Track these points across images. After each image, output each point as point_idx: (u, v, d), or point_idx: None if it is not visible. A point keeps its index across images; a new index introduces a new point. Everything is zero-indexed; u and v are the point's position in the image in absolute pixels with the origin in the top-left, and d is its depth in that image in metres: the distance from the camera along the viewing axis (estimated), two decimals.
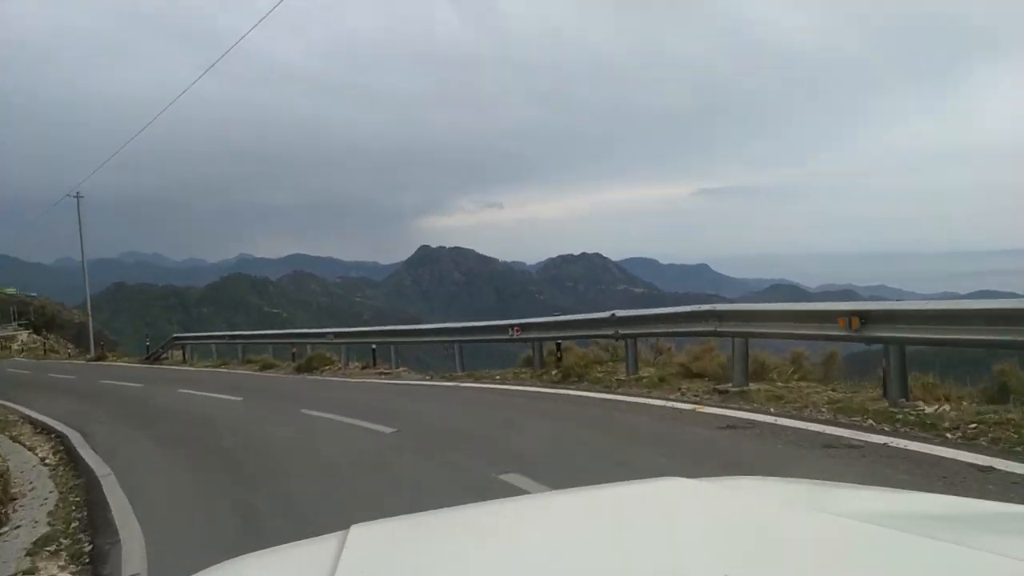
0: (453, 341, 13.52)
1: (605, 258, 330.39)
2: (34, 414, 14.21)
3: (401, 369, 15.10)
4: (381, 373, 15.21)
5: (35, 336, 65.18)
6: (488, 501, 1.69)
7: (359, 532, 1.35)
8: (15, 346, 53.56)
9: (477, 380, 12.40)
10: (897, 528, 1.11)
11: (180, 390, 15.84)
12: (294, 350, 19.37)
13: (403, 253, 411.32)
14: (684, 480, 1.59)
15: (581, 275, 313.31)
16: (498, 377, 12.29)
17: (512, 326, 11.87)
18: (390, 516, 1.52)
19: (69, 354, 40.58)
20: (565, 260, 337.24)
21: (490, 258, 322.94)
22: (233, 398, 13.72)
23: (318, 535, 1.41)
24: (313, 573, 1.15)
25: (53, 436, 11.86)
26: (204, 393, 14.80)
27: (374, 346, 16.01)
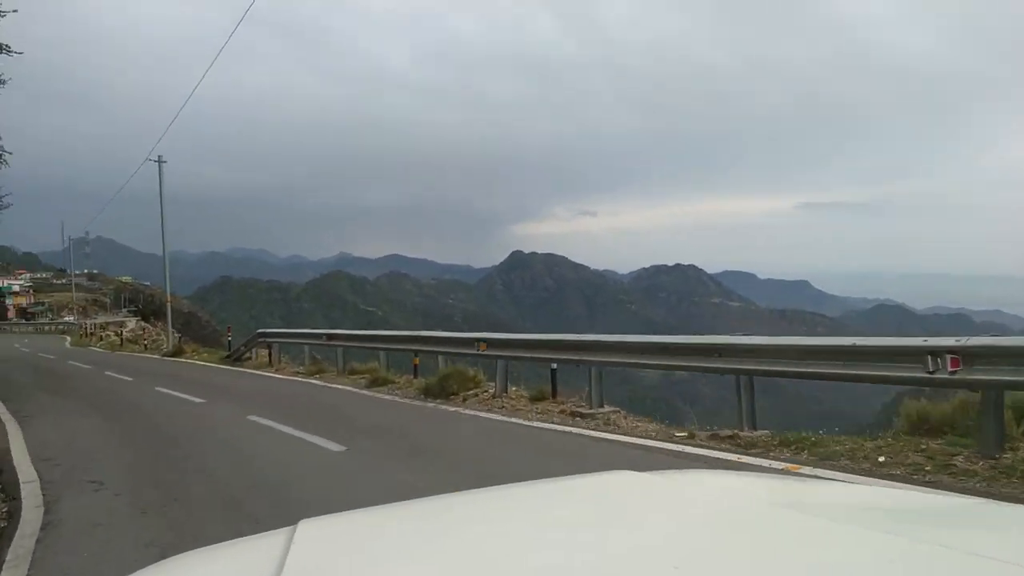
0: (754, 372, 6.94)
1: (700, 270, 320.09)
2: (22, 449, 8.84)
3: (611, 409, 8.75)
4: (573, 414, 8.97)
5: (143, 323, 64.40)
6: (439, 495, 1.66)
7: (307, 527, 1.32)
8: (125, 332, 51.55)
9: (797, 453, 5.92)
10: (843, 521, 1.13)
11: (251, 417, 10.18)
12: (416, 360, 13.51)
13: (496, 257, 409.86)
14: (633, 473, 1.59)
15: (674, 287, 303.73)
16: (881, 462, 5.70)
17: (936, 351, 5.24)
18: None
19: (146, 346, 36.20)
20: (658, 271, 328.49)
21: (582, 266, 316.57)
22: (330, 446, 7.84)
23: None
24: (260, 569, 1.12)
25: (3, 509, 6.36)
26: (286, 429, 9.03)
27: (554, 366, 9.78)
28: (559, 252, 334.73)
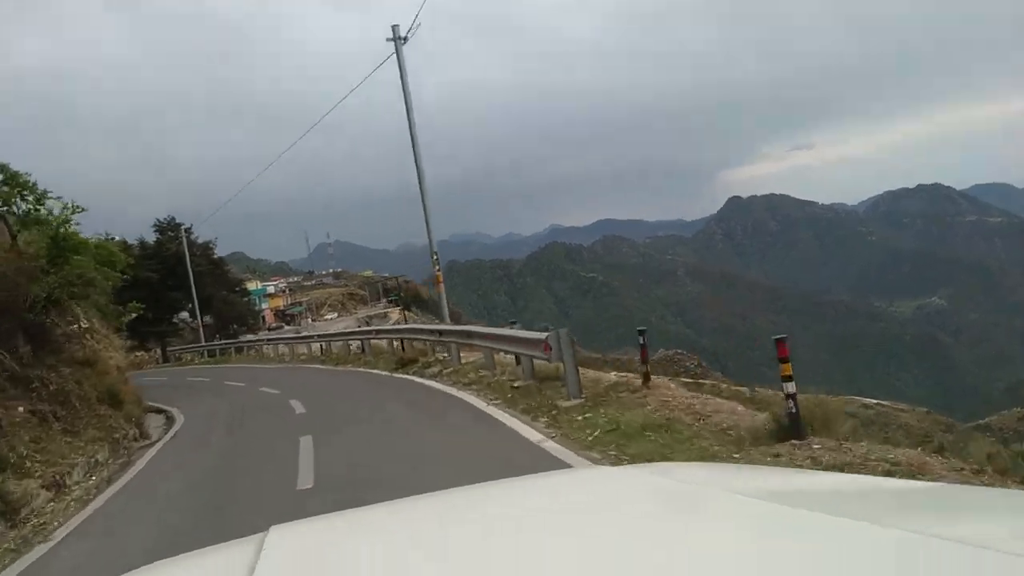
0: None
1: (948, 188, 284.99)
2: None
3: None
4: None
5: (406, 313, 63.42)
6: (408, 497, 1.69)
7: (278, 534, 1.35)
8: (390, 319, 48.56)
9: None
10: (824, 511, 1.15)
11: None
12: None
13: (709, 208, 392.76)
14: (601, 469, 1.99)
15: (919, 210, 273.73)
16: None
17: None
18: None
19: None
20: (896, 196, 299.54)
21: (808, 202, 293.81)
22: None
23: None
24: None
25: None
26: None
27: None
28: (780, 191, 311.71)
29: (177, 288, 43.08)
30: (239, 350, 36.26)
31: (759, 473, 1.92)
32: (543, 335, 9.79)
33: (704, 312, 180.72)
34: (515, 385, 11.30)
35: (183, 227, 45.62)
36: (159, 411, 17.35)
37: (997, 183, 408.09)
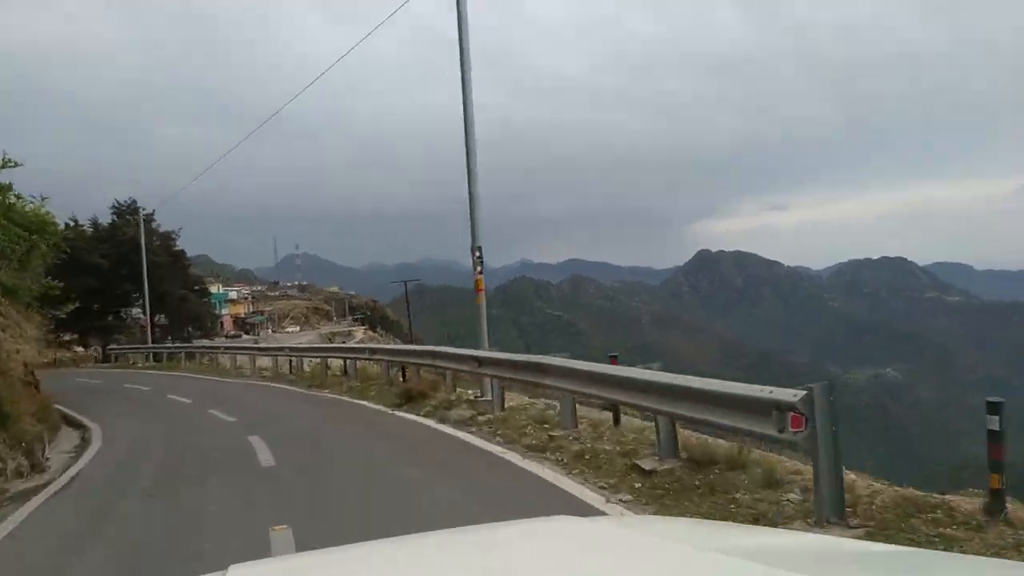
0: None
1: (910, 263, 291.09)
2: None
3: None
4: None
5: (371, 332, 63.09)
6: (373, 541, 1.65)
7: (237, 573, 1.33)
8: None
9: None
10: (771, 564, 1.15)
11: None
12: None
13: (678, 258, 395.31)
14: (572, 519, 1.63)
15: (881, 281, 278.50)
16: None
17: None
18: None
19: None
20: (861, 265, 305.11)
21: (775, 262, 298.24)
22: None
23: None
24: None
25: None
26: None
27: None
28: (748, 249, 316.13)
29: (130, 279, 38.58)
30: (191, 356, 32.04)
31: (741, 531, 1.86)
32: (792, 396, 4.79)
33: (667, 361, 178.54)
34: (643, 466, 6.63)
35: (143, 211, 40.91)
36: (79, 426, 14.27)
37: (957, 263, 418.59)
